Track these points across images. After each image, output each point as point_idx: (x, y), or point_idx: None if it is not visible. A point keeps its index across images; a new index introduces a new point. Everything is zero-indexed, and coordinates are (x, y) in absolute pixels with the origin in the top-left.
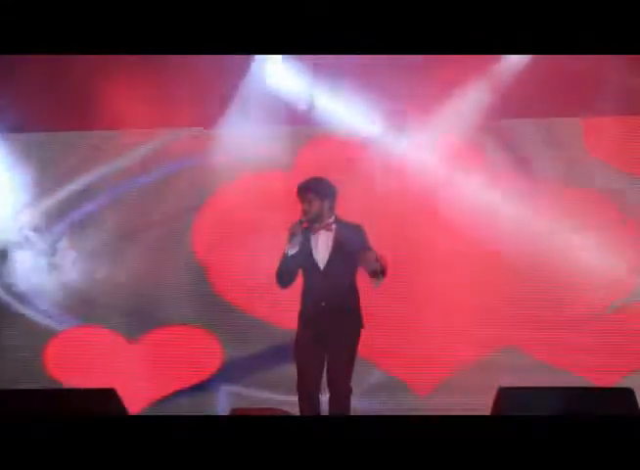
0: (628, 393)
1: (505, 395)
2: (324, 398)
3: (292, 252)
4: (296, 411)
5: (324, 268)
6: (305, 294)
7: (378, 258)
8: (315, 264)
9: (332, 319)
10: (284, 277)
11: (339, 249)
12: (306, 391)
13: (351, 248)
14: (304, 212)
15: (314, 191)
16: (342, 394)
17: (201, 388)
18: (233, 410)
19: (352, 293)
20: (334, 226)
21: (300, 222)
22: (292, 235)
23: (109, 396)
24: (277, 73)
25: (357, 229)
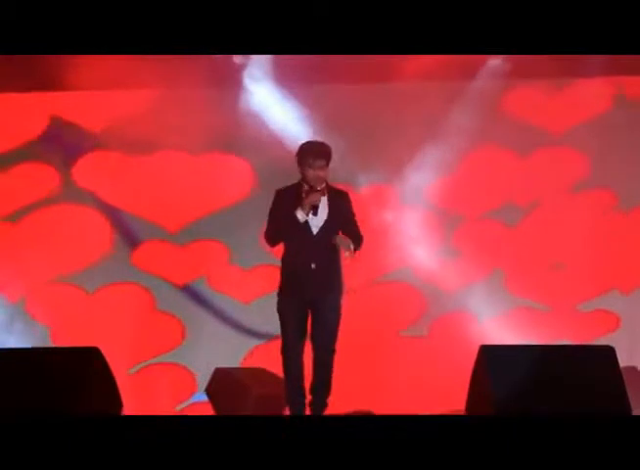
0: (609, 350)
1: (487, 353)
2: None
3: (302, 218)
4: (279, 371)
5: (318, 232)
6: (294, 255)
7: (350, 242)
8: (309, 228)
9: (320, 281)
10: (278, 237)
11: (333, 214)
12: (291, 348)
13: (341, 214)
14: (319, 179)
15: (327, 156)
16: (326, 353)
17: None
18: (216, 370)
19: (338, 257)
20: (326, 191)
21: (318, 190)
22: (313, 204)
23: (92, 355)
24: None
25: (345, 196)
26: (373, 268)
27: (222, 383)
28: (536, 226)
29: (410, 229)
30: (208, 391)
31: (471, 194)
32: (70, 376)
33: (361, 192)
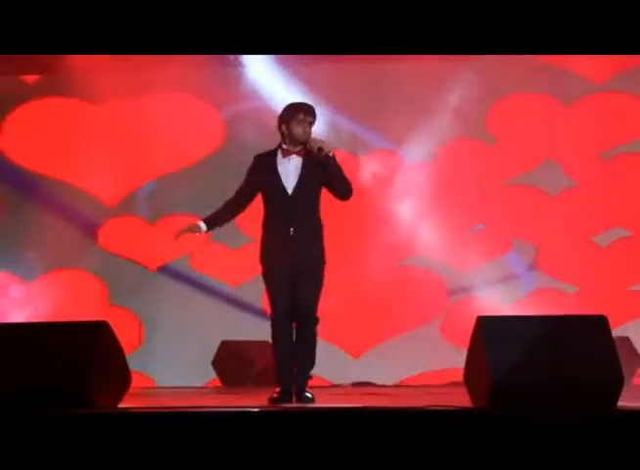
0: (602, 319)
1: (484, 323)
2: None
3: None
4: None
5: (292, 193)
6: (271, 219)
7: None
8: (284, 189)
9: (300, 247)
10: (242, 199)
11: (307, 175)
12: (279, 319)
13: (319, 175)
14: (309, 135)
15: (315, 116)
16: (309, 322)
17: None
18: (223, 342)
19: (318, 223)
20: (302, 152)
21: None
22: (319, 146)
23: (101, 329)
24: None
25: (327, 157)
26: (388, 255)
27: (227, 355)
28: (578, 194)
29: (424, 202)
30: (214, 362)
31: (499, 156)
32: (80, 351)
33: (366, 158)
